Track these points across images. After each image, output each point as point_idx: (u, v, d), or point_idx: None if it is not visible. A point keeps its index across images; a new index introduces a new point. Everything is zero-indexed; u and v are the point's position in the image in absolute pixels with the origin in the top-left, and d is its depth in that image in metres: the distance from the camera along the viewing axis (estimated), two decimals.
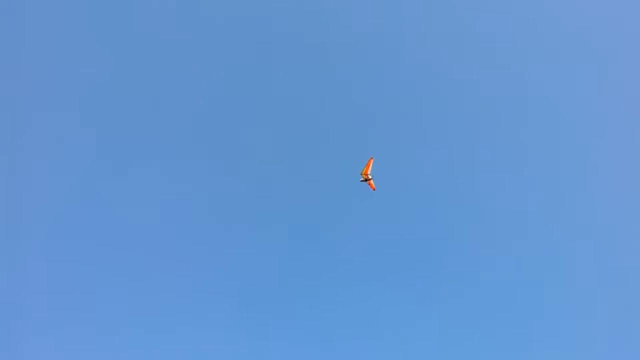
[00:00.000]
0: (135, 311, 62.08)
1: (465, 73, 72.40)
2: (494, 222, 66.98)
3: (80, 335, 60.44)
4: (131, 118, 71.54)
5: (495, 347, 60.30)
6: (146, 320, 61.77)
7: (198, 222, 68.38)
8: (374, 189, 49.46)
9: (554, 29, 71.29)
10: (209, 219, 69.81)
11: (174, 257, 66.67)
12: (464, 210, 67.96)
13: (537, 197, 67.49)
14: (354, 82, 74.13)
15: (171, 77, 73.73)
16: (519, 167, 69.43)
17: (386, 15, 73.52)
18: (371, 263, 65.63)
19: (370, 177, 49.15)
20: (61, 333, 60.14)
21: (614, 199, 65.23)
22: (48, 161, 67.38)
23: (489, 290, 63.36)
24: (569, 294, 62.13)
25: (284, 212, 69.01)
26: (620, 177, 65.74)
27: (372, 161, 48.63)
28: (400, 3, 73.94)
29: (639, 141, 65.98)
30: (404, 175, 67.68)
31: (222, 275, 65.66)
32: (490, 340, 60.68)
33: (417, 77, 73.77)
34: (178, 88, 73.66)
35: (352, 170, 49.95)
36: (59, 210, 65.52)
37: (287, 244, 67.99)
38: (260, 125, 73.44)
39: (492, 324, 61.70)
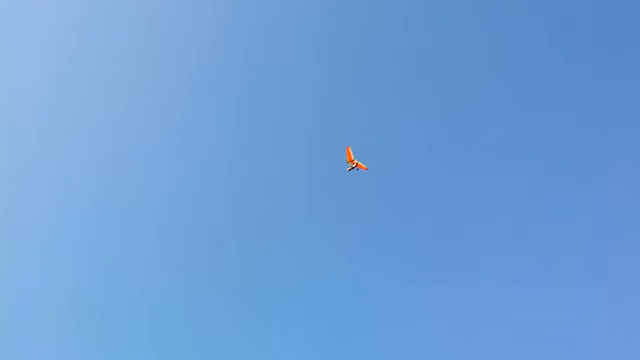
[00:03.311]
0: None
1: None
2: (493, 222, 67.12)
3: None
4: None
5: (497, 347, 60.41)
6: None
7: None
8: (366, 169, 49.26)
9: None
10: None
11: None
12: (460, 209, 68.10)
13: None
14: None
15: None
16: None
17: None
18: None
19: (356, 161, 48.90)
20: None
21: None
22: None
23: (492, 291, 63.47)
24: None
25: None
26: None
27: (350, 148, 48.80)
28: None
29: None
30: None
31: None
32: (491, 339, 60.76)
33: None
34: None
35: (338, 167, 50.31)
36: None
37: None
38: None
39: (494, 323, 61.82)
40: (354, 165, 48.70)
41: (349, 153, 48.60)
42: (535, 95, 70.07)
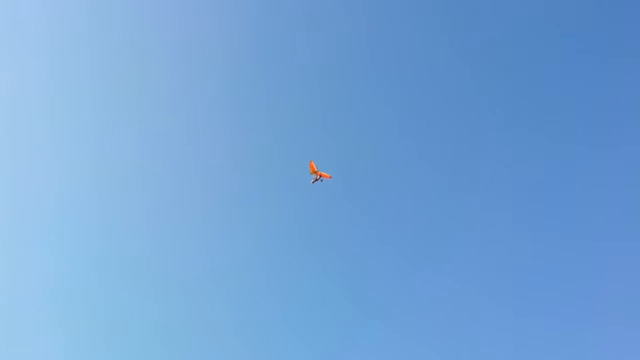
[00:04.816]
0: None
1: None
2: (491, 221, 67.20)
3: None
4: None
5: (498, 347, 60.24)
6: None
7: None
8: (330, 177, 50.45)
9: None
10: None
11: None
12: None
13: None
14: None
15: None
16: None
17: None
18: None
19: (319, 172, 50.33)
20: None
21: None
22: None
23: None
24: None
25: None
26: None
27: (312, 162, 50.29)
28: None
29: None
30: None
31: None
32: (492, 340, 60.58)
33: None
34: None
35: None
36: None
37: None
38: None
39: (495, 324, 61.70)
40: (317, 177, 50.20)
41: (312, 166, 50.19)
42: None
